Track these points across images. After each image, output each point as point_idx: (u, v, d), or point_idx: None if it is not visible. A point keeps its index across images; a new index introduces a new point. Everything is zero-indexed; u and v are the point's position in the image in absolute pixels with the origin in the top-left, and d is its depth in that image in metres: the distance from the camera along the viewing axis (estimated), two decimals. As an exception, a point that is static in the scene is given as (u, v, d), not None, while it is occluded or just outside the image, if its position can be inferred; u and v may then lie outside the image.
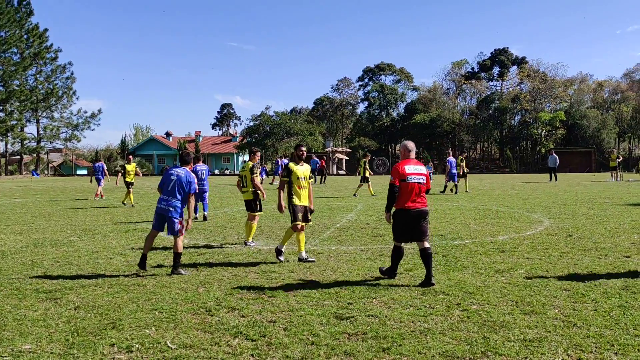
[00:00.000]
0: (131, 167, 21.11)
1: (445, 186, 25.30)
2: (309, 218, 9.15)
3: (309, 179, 9.27)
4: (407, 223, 7.21)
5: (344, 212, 16.87)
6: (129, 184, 20.66)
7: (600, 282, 7.05)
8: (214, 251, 9.99)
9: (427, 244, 7.21)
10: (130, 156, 23.62)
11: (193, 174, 8.49)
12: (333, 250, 9.96)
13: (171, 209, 8.17)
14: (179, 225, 8.17)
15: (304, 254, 8.85)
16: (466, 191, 25.68)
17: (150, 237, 8.42)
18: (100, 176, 24.01)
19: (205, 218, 15.06)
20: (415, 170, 7.25)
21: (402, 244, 7.37)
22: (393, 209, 7.38)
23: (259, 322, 5.61)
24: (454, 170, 25.16)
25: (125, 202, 20.69)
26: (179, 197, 8.23)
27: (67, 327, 5.53)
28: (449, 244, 10.39)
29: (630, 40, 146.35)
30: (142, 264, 8.20)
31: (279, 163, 35.27)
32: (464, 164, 26.15)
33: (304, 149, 9.20)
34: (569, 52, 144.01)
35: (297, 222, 8.81)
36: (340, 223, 13.85)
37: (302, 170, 9.01)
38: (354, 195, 24.18)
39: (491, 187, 30.00)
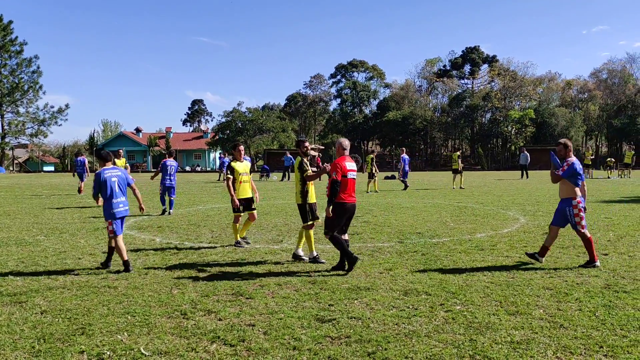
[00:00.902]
0: (121, 162, 19.25)
1: (405, 184, 26.11)
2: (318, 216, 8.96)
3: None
4: (344, 216, 7.84)
5: (321, 209, 16.62)
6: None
7: (582, 281, 7.00)
8: (187, 251, 9.69)
9: (346, 237, 8.18)
10: (120, 150, 20.92)
11: (125, 170, 8.53)
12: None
13: (127, 207, 8.28)
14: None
15: (314, 253, 8.69)
16: (461, 187, 26.20)
17: (121, 243, 8.04)
18: (80, 170, 23.40)
19: (168, 213, 15.86)
20: (352, 167, 7.86)
21: (337, 234, 7.83)
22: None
23: (237, 326, 5.38)
24: (407, 168, 27.06)
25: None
26: (126, 196, 8.31)
27: (32, 334, 5.22)
28: (427, 242, 10.28)
29: (596, 40, 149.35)
30: (126, 266, 7.96)
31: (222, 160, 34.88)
32: (460, 160, 26.53)
33: (307, 144, 8.89)
34: (538, 51, 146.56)
35: (311, 222, 8.71)
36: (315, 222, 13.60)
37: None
38: (367, 192, 24.33)
39: (464, 185, 30.10)
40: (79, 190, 23.06)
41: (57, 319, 5.67)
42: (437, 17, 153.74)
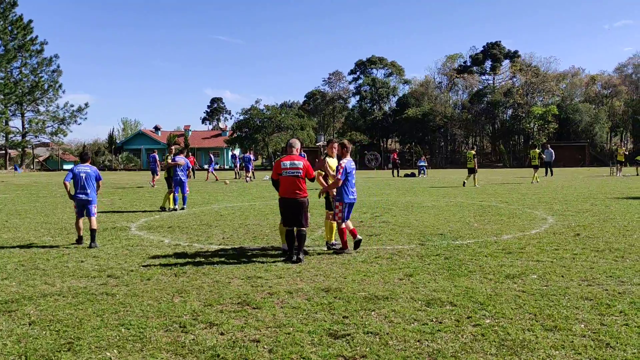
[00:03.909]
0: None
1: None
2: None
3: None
4: (286, 209, 8.47)
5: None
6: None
7: (624, 290, 6.31)
8: (196, 253, 9.17)
9: (302, 228, 8.42)
10: (172, 148, 18.51)
11: (96, 169, 10.65)
12: (325, 251, 9.17)
13: (89, 198, 10.23)
14: (94, 209, 10.36)
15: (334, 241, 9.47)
16: (475, 186, 25.73)
17: (78, 223, 10.30)
18: (153, 166, 25.66)
19: (181, 208, 16.30)
20: (290, 165, 8.43)
21: (287, 227, 8.46)
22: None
23: (240, 342, 4.82)
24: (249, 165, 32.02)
25: (166, 206, 16.48)
26: (92, 188, 10.33)
27: (15, 349, 4.72)
28: (450, 244, 9.63)
29: (618, 35, 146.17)
30: (79, 241, 10.23)
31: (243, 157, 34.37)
32: (475, 160, 26.30)
33: (336, 144, 9.62)
34: (560, 46, 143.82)
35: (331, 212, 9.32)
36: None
37: (333, 162, 9.45)
38: (463, 185, 25.54)
39: (487, 182, 29.30)
40: (152, 184, 25.44)
41: (44, 332, 5.17)
42: (458, 11, 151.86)
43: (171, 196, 16.33)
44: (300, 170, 8.44)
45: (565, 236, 10.26)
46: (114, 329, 5.21)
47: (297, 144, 8.74)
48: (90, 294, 6.51)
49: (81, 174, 10.25)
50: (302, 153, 10.12)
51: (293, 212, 8.42)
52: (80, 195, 10.19)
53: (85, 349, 4.71)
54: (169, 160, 16.90)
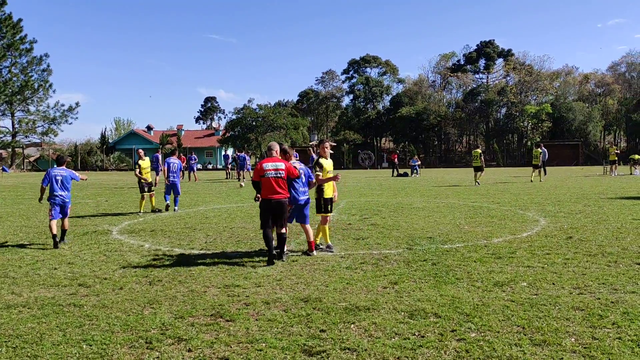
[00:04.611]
0: (146, 163, 16.88)
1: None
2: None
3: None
4: (269, 210, 8.45)
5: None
6: (147, 186, 16.25)
7: (616, 299, 6.02)
8: (176, 259, 8.83)
9: (283, 230, 8.56)
10: (141, 150, 17.36)
11: (71, 170, 11.14)
12: (309, 257, 8.85)
13: (66, 200, 10.69)
14: (69, 210, 10.88)
15: (330, 243, 9.51)
16: (477, 184, 26.34)
17: (54, 225, 10.35)
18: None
19: (174, 210, 16.30)
20: (272, 167, 8.51)
21: (268, 229, 8.43)
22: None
23: (208, 360, 4.50)
24: (243, 163, 30.74)
25: (141, 210, 16.03)
26: (67, 189, 10.77)
27: (-36, 369, 4.38)
28: (439, 248, 9.33)
29: (611, 33, 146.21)
30: (55, 245, 10.11)
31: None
32: (482, 157, 27.12)
33: (327, 144, 9.69)
34: (553, 45, 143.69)
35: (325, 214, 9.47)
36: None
37: (328, 163, 9.48)
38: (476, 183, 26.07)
39: (480, 182, 29.01)
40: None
41: (1, 349, 4.83)
42: (451, 10, 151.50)
43: (143, 201, 16.06)
44: (282, 172, 8.54)
45: (557, 239, 9.98)
46: (75, 346, 4.87)
47: (276, 147, 8.92)
48: (56, 305, 6.17)
49: (57, 177, 10.65)
50: (296, 154, 10.09)
51: (275, 213, 8.49)
52: (57, 198, 10.56)
53: (40, 369, 4.38)
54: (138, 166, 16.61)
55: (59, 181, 10.62)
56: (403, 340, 4.85)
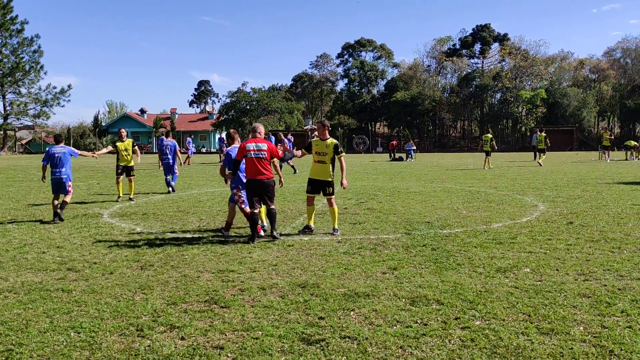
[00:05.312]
0: (125, 144, 14.80)
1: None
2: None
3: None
4: (254, 190, 8.57)
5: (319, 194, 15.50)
6: (124, 170, 14.72)
7: (623, 286, 5.85)
8: (168, 243, 8.59)
9: (272, 206, 8.71)
10: (123, 130, 15.39)
11: (70, 148, 11.51)
12: (305, 241, 8.64)
13: (64, 177, 11.07)
14: (70, 188, 11.23)
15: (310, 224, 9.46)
16: (489, 167, 26.88)
17: (55, 200, 10.92)
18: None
19: (172, 189, 16.39)
20: (254, 147, 8.63)
21: (253, 210, 8.54)
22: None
23: (201, 349, 4.28)
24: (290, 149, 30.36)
25: (121, 195, 14.67)
26: (67, 167, 11.14)
27: (-56, 358, 4.15)
28: (438, 233, 9.14)
29: (606, 19, 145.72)
30: (55, 218, 10.63)
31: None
32: (494, 142, 27.99)
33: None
34: (549, 30, 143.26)
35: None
36: (315, 208, 12.47)
37: (320, 143, 9.38)
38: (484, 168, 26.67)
39: (475, 167, 28.90)
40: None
41: (-16, 336, 4.60)
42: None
43: (120, 185, 14.67)
44: (265, 152, 8.70)
45: (558, 224, 9.81)
46: (62, 333, 4.65)
47: (260, 128, 9.09)
48: (44, 290, 5.94)
49: (56, 155, 11.07)
50: (290, 137, 10.03)
51: (260, 193, 8.64)
52: (57, 174, 11.02)
53: (25, 358, 4.15)
54: (115, 145, 15.00)
55: (58, 158, 11.03)
56: (405, 329, 4.65)
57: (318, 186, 9.38)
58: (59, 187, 11.06)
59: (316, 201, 9.68)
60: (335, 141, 9.31)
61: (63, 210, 10.88)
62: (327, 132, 9.39)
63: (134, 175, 14.96)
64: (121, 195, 14.59)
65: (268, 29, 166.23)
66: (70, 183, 11.23)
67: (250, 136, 9.04)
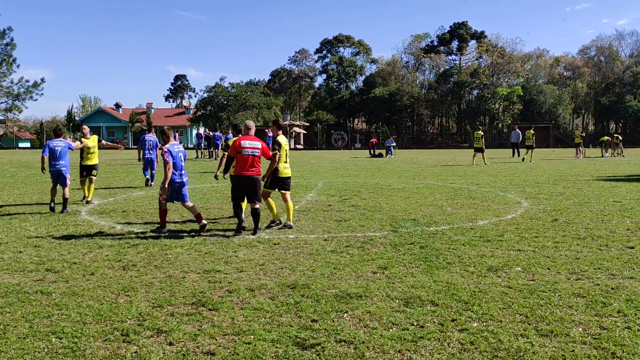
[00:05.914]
0: (91, 141, 13.46)
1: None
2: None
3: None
4: (241, 186, 8.82)
5: (302, 191, 15.37)
6: (87, 169, 13.21)
7: (616, 285, 5.80)
8: (149, 241, 8.34)
9: (257, 205, 8.86)
10: (85, 127, 14.09)
11: (68, 141, 12.04)
12: (291, 239, 8.46)
13: (63, 169, 11.62)
14: (68, 180, 11.75)
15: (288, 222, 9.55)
16: (484, 164, 26.94)
17: (53, 189, 11.55)
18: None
19: (150, 185, 16.69)
20: (249, 144, 8.84)
21: (238, 206, 8.89)
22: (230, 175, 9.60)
23: (191, 355, 4.10)
24: (219, 142, 31.75)
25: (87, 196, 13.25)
26: (65, 160, 11.69)
27: None
28: (425, 230, 9.05)
29: (580, 17, 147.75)
30: (52, 209, 11.32)
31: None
32: (483, 140, 27.80)
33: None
34: (525, 28, 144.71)
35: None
36: (299, 204, 12.33)
37: (285, 142, 9.67)
38: (473, 164, 27.02)
39: (455, 163, 28.99)
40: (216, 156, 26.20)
41: (-41, 343, 4.35)
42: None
43: (85, 186, 13.22)
44: (258, 150, 8.93)
45: (543, 222, 9.79)
46: (43, 339, 4.42)
47: (253, 125, 9.29)
48: (22, 293, 5.68)
49: (56, 148, 11.60)
50: (269, 134, 10.01)
51: (248, 189, 8.84)
52: (56, 167, 11.57)
53: (3, 367, 3.93)
54: (82, 142, 13.29)
55: (57, 152, 11.56)
56: (402, 331, 4.52)
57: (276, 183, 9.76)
58: (58, 178, 11.61)
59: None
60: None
61: (67, 208, 11.51)
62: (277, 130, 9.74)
63: (95, 176, 13.39)
64: (90, 198, 13.21)
65: (245, 24, 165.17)
66: (68, 175, 11.74)
67: (243, 133, 9.24)
